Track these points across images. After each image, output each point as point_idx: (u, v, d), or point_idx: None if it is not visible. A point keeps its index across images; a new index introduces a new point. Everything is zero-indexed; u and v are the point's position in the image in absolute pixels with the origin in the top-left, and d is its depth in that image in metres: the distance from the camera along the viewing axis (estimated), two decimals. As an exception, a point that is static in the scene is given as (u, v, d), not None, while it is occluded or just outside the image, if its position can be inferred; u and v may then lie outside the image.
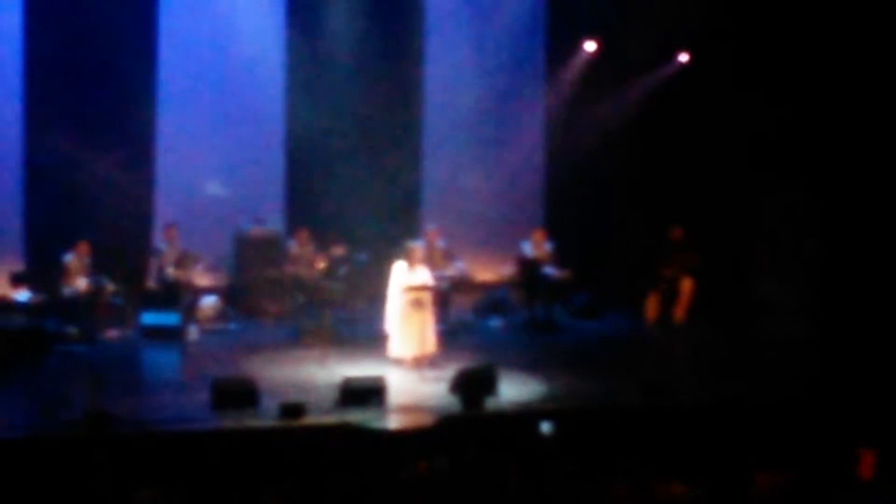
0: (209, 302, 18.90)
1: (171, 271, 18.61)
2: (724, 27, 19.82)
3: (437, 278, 17.07)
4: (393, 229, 19.93)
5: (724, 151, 20.01)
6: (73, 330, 17.30)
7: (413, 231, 19.84)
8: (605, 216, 21.36)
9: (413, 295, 15.85)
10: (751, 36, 19.79)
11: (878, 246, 18.80)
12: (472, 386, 13.86)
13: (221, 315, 18.96)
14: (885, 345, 16.69)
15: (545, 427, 12.38)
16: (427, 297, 15.99)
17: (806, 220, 19.70)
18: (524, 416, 13.20)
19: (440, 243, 19.04)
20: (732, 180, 20.10)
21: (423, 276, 16.13)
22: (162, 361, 17.07)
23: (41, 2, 19.46)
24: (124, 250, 19.38)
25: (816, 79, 19.16)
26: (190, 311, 18.36)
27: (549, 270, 18.92)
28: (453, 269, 18.94)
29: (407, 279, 15.92)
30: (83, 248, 17.94)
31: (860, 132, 18.87)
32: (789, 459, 11.75)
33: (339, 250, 19.52)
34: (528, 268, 19.11)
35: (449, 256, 19.01)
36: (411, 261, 16.01)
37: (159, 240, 19.33)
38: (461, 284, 19.39)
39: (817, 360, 16.50)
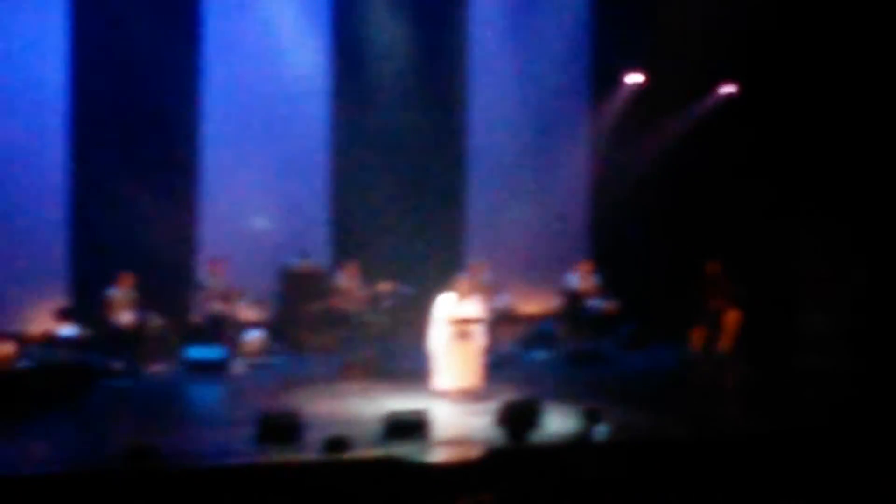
0: (254, 336, 18.89)
1: (216, 305, 18.64)
2: (769, 60, 19.76)
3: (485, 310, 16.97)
4: (437, 262, 19.93)
5: (767, 182, 19.92)
6: (118, 364, 17.34)
7: (458, 264, 19.80)
8: (651, 248, 21.26)
9: (459, 327, 15.79)
10: (795, 68, 19.71)
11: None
12: (517, 419, 13.75)
13: (266, 349, 18.95)
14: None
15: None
16: (474, 329, 15.93)
17: (850, 250, 19.58)
18: (569, 449, 13.10)
19: (486, 276, 18.94)
20: (776, 211, 20.00)
21: (473, 307, 16.08)
22: (206, 396, 17.08)
23: (87, 36, 19.56)
24: (169, 284, 19.44)
25: (859, 110, 19.07)
26: (235, 345, 18.38)
27: (595, 303, 18.84)
28: (498, 302, 18.87)
29: (454, 311, 15.86)
30: (127, 280, 17.99)
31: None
32: (827, 491, 11.66)
33: (385, 286, 19.44)
34: (574, 300, 19.05)
35: (495, 289, 18.90)
36: (459, 292, 15.95)
37: (204, 273, 19.35)
38: (505, 317, 19.32)
39: (860, 392, 16.35)
